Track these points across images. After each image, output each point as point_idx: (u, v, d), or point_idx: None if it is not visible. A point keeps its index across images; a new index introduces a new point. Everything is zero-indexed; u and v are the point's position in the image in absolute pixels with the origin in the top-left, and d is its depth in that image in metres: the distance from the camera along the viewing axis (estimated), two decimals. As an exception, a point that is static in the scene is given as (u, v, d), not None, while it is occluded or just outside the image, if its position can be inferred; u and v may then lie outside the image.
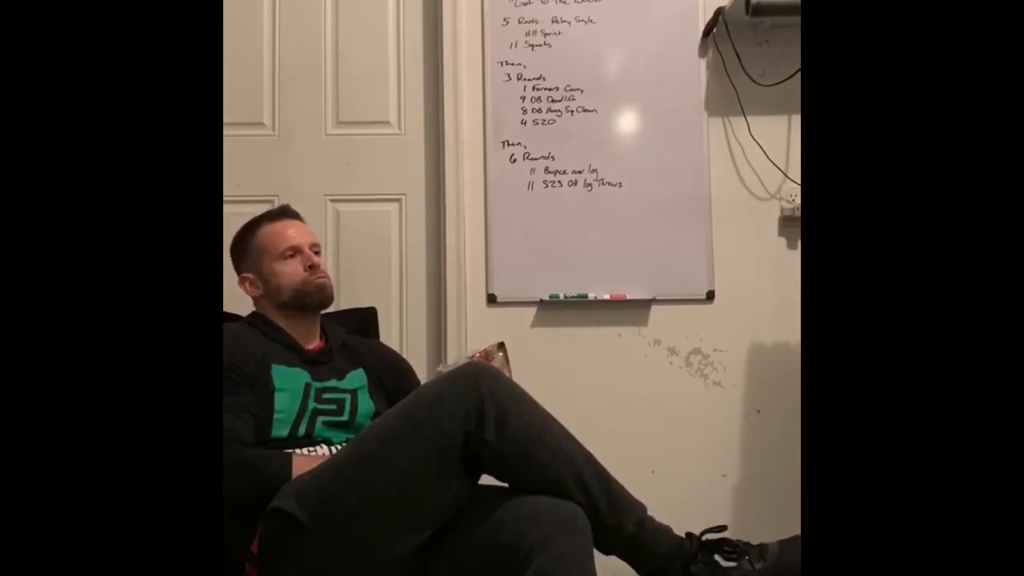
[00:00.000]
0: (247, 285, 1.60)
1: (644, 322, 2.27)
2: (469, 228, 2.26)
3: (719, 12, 2.25)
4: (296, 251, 1.57)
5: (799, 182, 2.27)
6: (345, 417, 1.47)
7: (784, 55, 2.27)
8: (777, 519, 2.16)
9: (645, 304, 2.26)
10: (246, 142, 2.26)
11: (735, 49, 2.28)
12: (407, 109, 2.32)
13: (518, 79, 2.28)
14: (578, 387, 2.24)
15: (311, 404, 1.45)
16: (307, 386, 1.46)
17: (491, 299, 2.24)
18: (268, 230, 1.60)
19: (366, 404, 1.51)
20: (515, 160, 2.26)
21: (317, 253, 1.60)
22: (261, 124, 2.29)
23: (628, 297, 2.24)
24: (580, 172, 2.27)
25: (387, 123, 2.32)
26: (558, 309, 2.25)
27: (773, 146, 2.30)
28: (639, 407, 2.24)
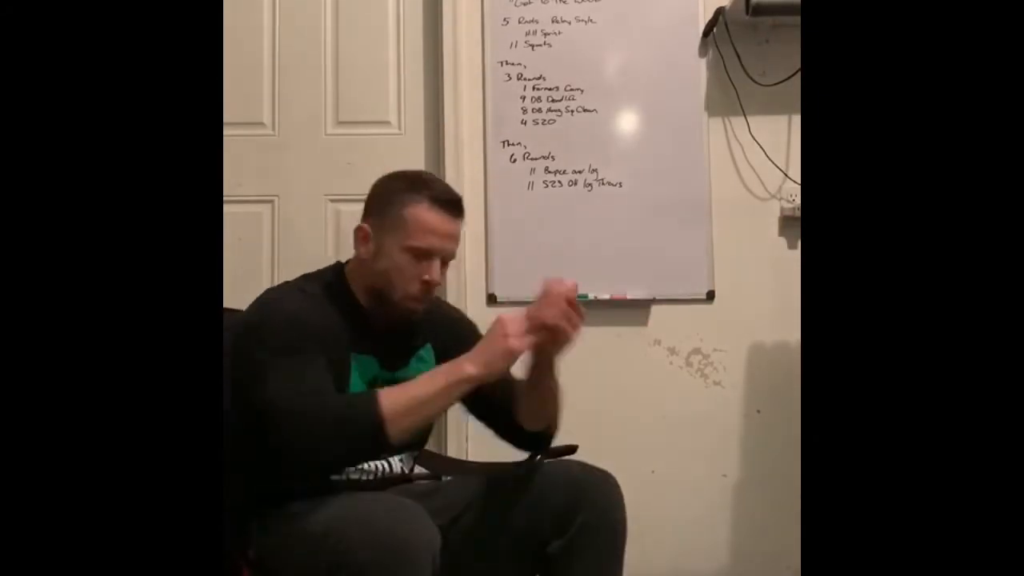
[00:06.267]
0: (359, 237, 1.40)
1: (644, 322, 2.27)
2: (469, 228, 2.25)
3: (719, 12, 2.24)
4: (429, 256, 1.37)
5: (799, 182, 2.26)
6: None
7: (784, 55, 2.26)
8: (777, 519, 2.17)
9: (645, 304, 2.26)
10: (246, 142, 2.26)
11: (735, 49, 2.27)
12: (407, 109, 2.31)
13: (518, 79, 2.28)
14: (578, 387, 2.22)
15: None
16: (374, 379, 1.39)
17: (491, 299, 2.24)
18: (427, 213, 1.36)
19: None
20: (515, 160, 2.26)
21: (445, 267, 1.41)
22: (261, 124, 2.29)
23: (628, 297, 2.24)
24: (580, 172, 2.26)
25: (387, 123, 2.31)
26: (558, 309, 2.24)
27: (773, 146, 2.30)
28: (639, 407, 2.24)
